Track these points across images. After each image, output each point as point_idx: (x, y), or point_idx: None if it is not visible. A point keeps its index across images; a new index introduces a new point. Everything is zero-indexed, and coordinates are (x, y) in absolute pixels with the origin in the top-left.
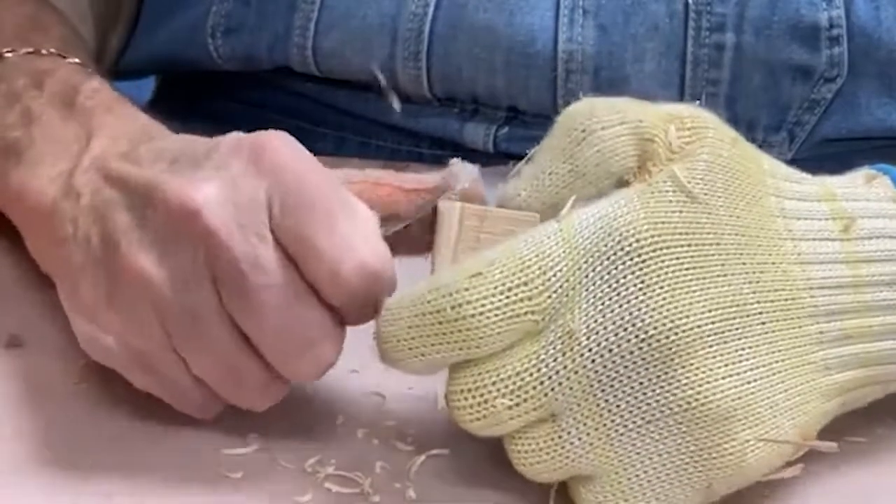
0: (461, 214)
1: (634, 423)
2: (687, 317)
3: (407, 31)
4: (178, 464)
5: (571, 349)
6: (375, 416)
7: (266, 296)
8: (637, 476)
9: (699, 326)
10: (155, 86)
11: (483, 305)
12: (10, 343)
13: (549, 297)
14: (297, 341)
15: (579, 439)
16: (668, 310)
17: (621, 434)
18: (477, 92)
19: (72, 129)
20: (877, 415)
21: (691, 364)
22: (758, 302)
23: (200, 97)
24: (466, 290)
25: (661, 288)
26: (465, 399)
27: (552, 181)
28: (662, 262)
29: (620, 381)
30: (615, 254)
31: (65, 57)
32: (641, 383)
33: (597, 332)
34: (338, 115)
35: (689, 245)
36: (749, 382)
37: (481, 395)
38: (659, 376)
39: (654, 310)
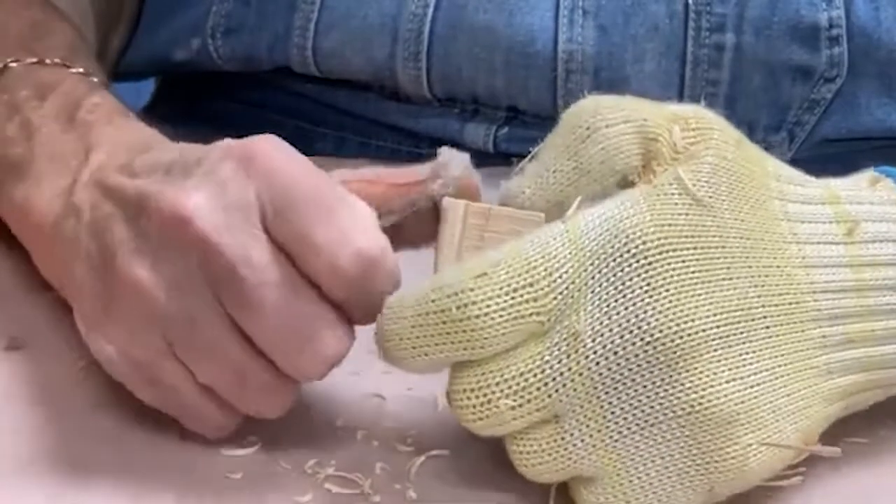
0: (465, 212)
1: (637, 425)
2: (692, 320)
3: (407, 31)
4: (179, 465)
5: (576, 351)
6: (375, 417)
7: (262, 293)
8: (639, 478)
9: (704, 330)
10: (154, 87)
11: (488, 306)
12: (10, 345)
13: (555, 298)
14: (299, 336)
15: (582, 441)
16: (673, 313)
17: (624, 436)
18: (477, 92)
19: (71, 142)
20: (878, 416)
21: (695, 368)
22: (762, 306)
23: (200, 98)
24: (472, 290)
25: (667, 291)
26: (469, 399)
27: (556, 179)
28: (668, 264)
29: (624, 384)
30: (621, 256)
31: (69, 66)
32: (645, 386)
33: (602, 335)
34: (338, 115)
35: (695, 248)
36: (752, 386)
37: (484, 396)
38: (663, 379)
39: (659, 312)
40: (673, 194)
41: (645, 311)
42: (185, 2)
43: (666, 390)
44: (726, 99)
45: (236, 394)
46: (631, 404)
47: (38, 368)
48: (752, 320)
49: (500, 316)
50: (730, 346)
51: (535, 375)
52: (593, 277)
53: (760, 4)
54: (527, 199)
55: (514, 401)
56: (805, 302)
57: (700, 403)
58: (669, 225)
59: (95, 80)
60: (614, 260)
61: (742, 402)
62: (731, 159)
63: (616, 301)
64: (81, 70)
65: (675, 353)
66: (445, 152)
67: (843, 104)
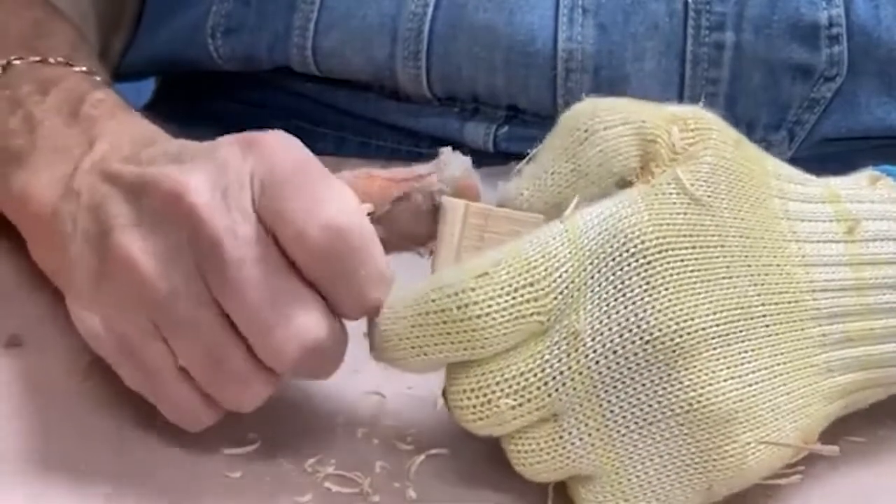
0: (465, 213)
1: (636, 423)
2: (692, 319)
3: (407, 30)
4: (179, 464)
5: (576, 350)
6: (375, 415)
7: (243, 270)
8: (637, 477)
9: (703, 329)
10: (155, 87)
11: (489, 306)
12: (10, 343)
13: (555, 298)
14: (275, 315)
15: (580, 439)
16: (672, 312)
17: (623, 435)
18: (477, 91)
19: (74, 135)
20: (878, 416)
21: (694, 366)
22: (762, 304)
23: (200, 98)
24: (473, 290)
25: (666, 290)
26: (468, 399)
27: (554, 181)
28: (668, 263)
29: (623, 382)
30: (620, 255)
31: (72, 65)
32: (644, 384)
33: (601, 333)
34: (338, 115)
35: (694, 247)
36: (751, 385)
37: (484, 395)
38: (662, 377)
39: (658, 311)
40: (671, 193)
41: (644, 310)
42: (185, 2)
43: (665, 388)
44: (726, 98)
45: (211, 378)
46: (630, 403)
47: (38, 366)
48: (752, 319)
49: (501, 316)
50: (729, 345)
51: (535, 375)
52: (592, 277)
53: (760, 3)
54: (525, 201)
55: (515, 400)
56: (804, 300)
57: (698, 402)
58: (668, 224)
59: (98, 78)
60: (613, 259)
61: (741, 401)
62: (729, 158)
63: (615, 300)
64: (84, 69)
65: (674, 351)
66: (446, 152)
67: (842, 103)
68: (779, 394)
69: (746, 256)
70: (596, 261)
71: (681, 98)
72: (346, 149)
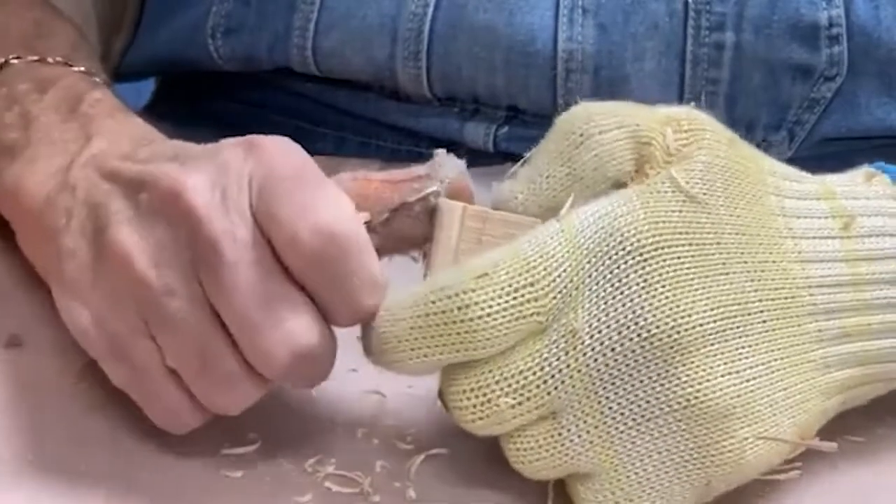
0: (463, 215)
1: (634, 420)
2: (689, 315)
3: (407, 30)
4: (179, 464)
5: (574, 348)
6: (375, 415)
7: (237, 271)
8: (636, 473)
9: (700, 325)
10: (154, 87)
11: (490, 307)
12: (9, 343)
13: (554, 298)
14: (266, 318)
15: (579, 436)
16: (670, 308)
17: (621, 431)
18: (477, 91)
19: (71, 130)
20: (877, 414)
21: (691, 362)
22: (759, 301)
23: (200, 98)
24: (473, 290)
25: (663, 287)
26: (468, 399)
27: (549, 184)
28: (664, 261)
29: (622, 379)
30: (617, 253)
31: (70, 65)
32: (642, 381)
33: (599, 331)
34: (338, 115)
35: (690, 244)
36: (748, 381)
37: (484, 395)
38: (659, 374)
39: (656, 308)
40: (666, 192)
41: (641, 307)
42: (185, 2)
43: (662, 385)
44: (726, 98)
45: (199, 379)
46: (628, 399)
47: (38, 366)
48: (749, 315)
49: (502, 316)
50: (726, 341)
51: (533, 373)
52: (590, 276)
53: (760, 3)
54: (519, 204)
55: (514, 399)
56: (801, 296)
57: (696, 397)
58: (664, 222)
59: (97, 79)
60: (610, 258)
61: (738, 396)
62: (724, 157)
63: (613, 298)
64: (83, 69)
65: (671, 347)
66: (441, 154)
67: (842, 103)
68: (776, 389)
69: (743, 253)
70: (593, 259)
71: (681, 98)
72: (346, 149)
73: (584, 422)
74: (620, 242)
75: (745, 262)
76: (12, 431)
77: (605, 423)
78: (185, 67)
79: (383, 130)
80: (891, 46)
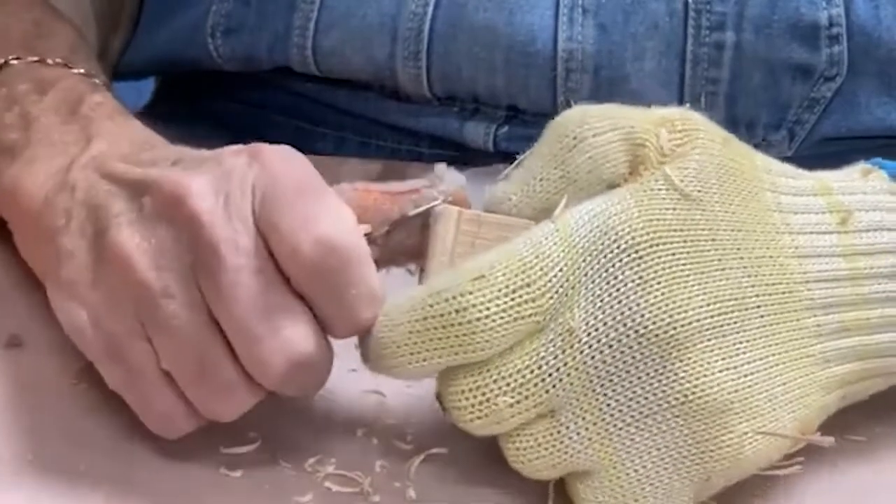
0: (458, 219)
1: (633, 417)
2: (685, 311)
3: (407, 30)
4: (178, 463)
5: (571, 346)
6: (375, 414)
7: (238, 278)
8: (635, 470)
9: (697, 320)
10: (154, 87)
11: (488, 308)
12: (9, 343)
13: (551, 298)
14: (264, 326)
15: (578, 434)
16: (666, 304)
17: (620, 428)
18: (477, 91)
19: (72, 132)
20: (876, 413)
21: (689, 357)
22: (756, 296)
23: (200, 98)
24: (470, 293)
25: (659, 283)
26: (467, 399)
27: (543, 187)
28: (659, 258)
29: (619, 376)
30: (612, 252)
31: (70, 67)
32: (640, 377)
33: (596, 329)
34: (338, 115)
35: (685, 241)
36: (746, 375)
37: (482, 395)
38: (657, 370)
39: (652, 305)
40: (660, 190)
41: (637, 304)
42: (184, 2)
43: (660, 381)
44: (726, 97)
45: (194, 383)
46: (626, 396)
47: (38, 366)
48: (746, 310)
49: (500, 318)
50: (723, 336)
51: (531, 372)
52: (586, 274)
53: (760, 3)
54: (513, 206)
55: (512, 398)
56: (798, 291)
57: (693, 392)
58: (658, 219)
59: (97, 81)
60: (605, 256)
61: (736, 391)
62: (718, 155)
63: (609, 296)
64: (83, 71)
65: (668, 343)
66: (440, 168)
67: (842, 103)
68: (775, 384)
69: (739, 249)
70: (589, 258)
71: (681, 98)
72: (346, 149)
73: (583, 419)
74: (615, 241)
75: (742, 258)
76: (12, 431)
77: (603, 420)
78: (184, 67)
79: (383, 130)
80: (891, 46)
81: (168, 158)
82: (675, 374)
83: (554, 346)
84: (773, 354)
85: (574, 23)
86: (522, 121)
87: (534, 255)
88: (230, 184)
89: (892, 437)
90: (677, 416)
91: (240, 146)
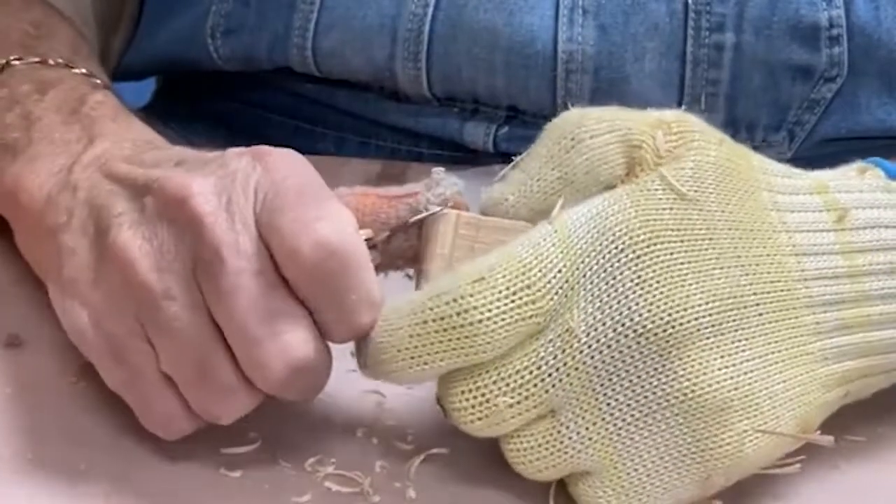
0: (456, 224)
1: (633, 416)
2: (684, 310)
3: (407, 31)
4: (177, 463)
5: (571, 346)
6: (375, 415)
7: (239, 280)
8: (636, 469)
9: (696, 319)
10: (155, 87)
11: (489, 311)
12: (9, 342)
13: (551, 299)
14: (264, 329)
15: (578, 434)
16: (664, 303)
17: (619, 428)
18: (477, 92)
19: (74, 131)
20: (877, 413)
21: (688, 356)
22: (754, 294)
23: (201, 97)
24: (471, 295)
25: (657, 283)
26: (466, 400)
27: (540, 187)
28: (657, 257)
29: (619, 376)
30: (610, 252)
31: (71, 67)
32: (639, 377)
33: (595, 329)
34: (338, 115)
35: (683, 241)
36: (746, 373)
37: (482, 395)
38: (656, 369)
39: (650, 304)
40: (657, 190)
41: (636, 304)
42: (184, 2)
43: (659, 380)
44: (726, 98)
45: (193, 386)
46: (626, 395)
47: (37, 365)
48: (745, 308)
49: (501, 319)
50: (722, 335)
51: (530, 372)
52: (585, 275)
53: (760, 4)
54: (510, 206)
55: (512, 398)
56: (797, 289)
57: (692, 391)
58: (655, 219)
59: (98, 81)
60: (603, 256)
61: (736, 389)
62: (714, 156)
63: (608, 296)
64: (84, 71)
65: (667, 342)
66: (438, 172)
67: (843, 104)
68: (775, 382)
69: (736, 248)
70: (587, 259)
71: (681, 99)
72: (346, 149)
73: (583, 419)
74: (613, 241)
75: (739, 257)
76: (12, 430)
77: (603, 419)
78: (184, 68)
79: (383, 130)
80: (891, 47)
81: (171, 159)
82: (675, 373)
83: (553, 346)
84: (773, 352)
85: (574, 24)
86: (522, 121)
87: (533, 256)
88: (233, 186)
89: (892, 438)
90: (677, 415)
91: (243, 148)
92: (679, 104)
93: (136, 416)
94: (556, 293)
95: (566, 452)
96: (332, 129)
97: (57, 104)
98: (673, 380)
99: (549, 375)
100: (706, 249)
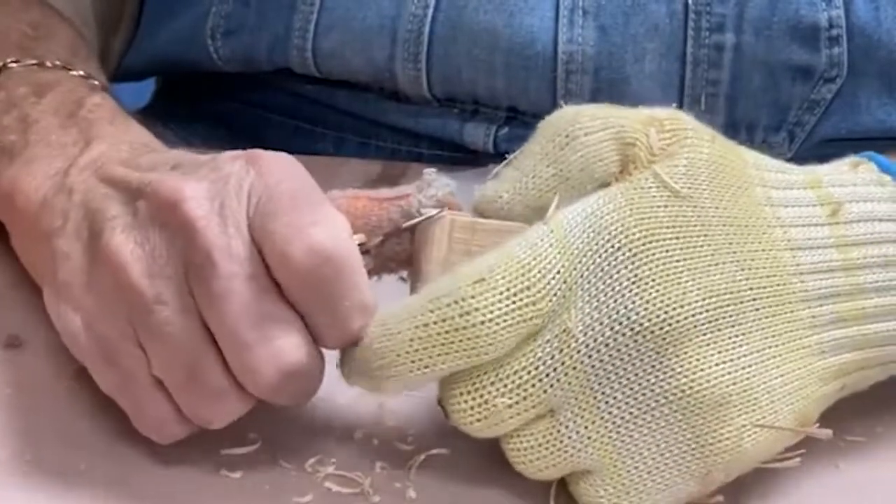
0: (450, 227)
1: (631, 413)
2: (681, 306)
3: (406, 32)
4: (177, 464)
5: (568, 346)
6: (375, 415)
7: (230, 285)
8: (636, 467)
9: (692, 316)
10: (155, 87)
11: (491, 312)
12: (8, 343)
13: (550, 300)
14: (255, 334)
15: (577, 433)
16: (661, 301)
17: (619, 426)
18: (477, 93)
19: (71, 134)
20: (876, 413)
21: (685, 353)
22: (750, 289)
23: (201, 98)
24: (473, 297)
25: (654, 280)
26: (466, 401)
27: (535, 185)
28: (653, 255)
29: (617, 374)
30: (607, 251)
31: (69, 69)
32: (637, 374)
33: (592, 329)
34: (338, 115)
35: (678, 238)
36: (744, 368)
37: (481, 396)
38: (654, 366)
39: (647, 302)
40: (651, 188)
41: (633, 302)
42: (184, 3)
43: (657, 377)
44: (726, 99)
45: (185, 390)
46: (624, 393)
47: (37, 366)
48: (741, 304)
49: (503, 320)
50: (719, 330)
51: (528, 372)
52: (582, 275)
53: (760, 4)
54: (505, 204)
55: (511, 398)
56: (792, 283)
57: (690, 387)
58: (650, 217)
59: (96, 82)
60: (600, 256)
61: (734, 384)
62: (706, 153)
63: (605, 295)
64: (82, 73)
65: (664, 339)
66: (430, 173)
67: (843, 104)
68: (773, 376)
69: (731, 244)
70: (584, 259)
71: (681, 100)
72: (345, 149)
73: (582, 418)
74: (609, 240)
75: (735, 253)
76: (11, 431)
77: (602, 418)
78: (184, 68)
79: (383, 131)
80: (891, 48)
81: (167, 163)
82: (672, 370)
83: (551, 346)
84: (770, 347)
85: (574, 25)
86: (522, 122)
87: (532, 257)
88: (226, 190)
89: (892, 438)
90: (676, 412)
91: (238, 151)
92: (679, 105)
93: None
94: (555, 294)
95: (566, 451)
96: (332, 130)
97: (54, 107)
98: (671, 377)
99: (548, 375)
100: (701, 246)
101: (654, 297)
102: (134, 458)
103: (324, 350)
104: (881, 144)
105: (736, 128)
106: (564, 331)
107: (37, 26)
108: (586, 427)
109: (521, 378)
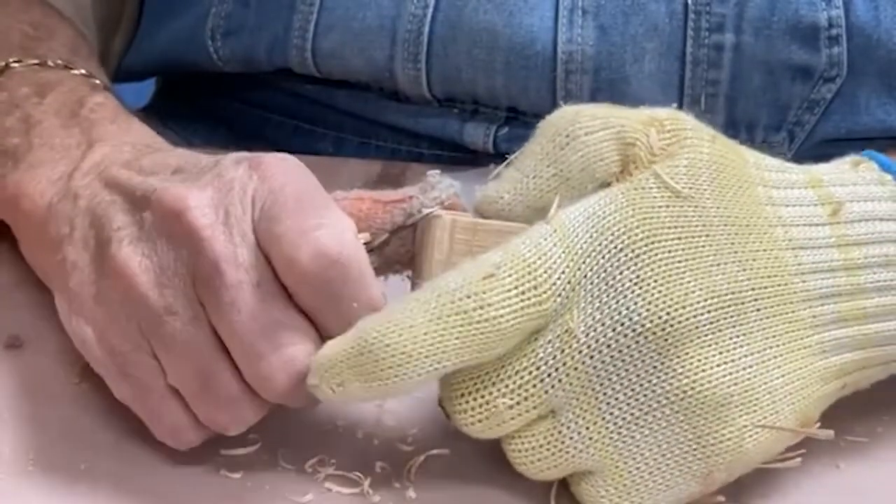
0: (452, 228)
1: (633, 414)
2: (682, 308)
3: (406, 32)
4: (178, 464)
5: (570, 346)
6: (375, 415)
7: (239, 293)
8: (637, 468)
9: (694, 316)
10: (155, 87)
11: (503, 307)
12: (9, 343)
13: (555, 301)
14: (267, 341)
15: (579, 433)
16: (663, 302)
17: (620, 427)
18: (477, 93)
19: (74, 136)
20: (876, 414)
21: (686, 353)
22: (752, 289)
23: (200, 98)
24: (484, 292)
25: (655, 281)
26: (467, 402)
27: (536, 185)
28: (655, 255)
29: (618, 375)
30: (609, 252)
31: (71, 68)
32: (639, 375)
33: (594, 329)
34: (338, 115)
35: (679, 238)
36: (745, 369)
37: (482, 397)
38: (655, 367)
39: (649, 303)
40: (652, 189)
41: (635, 303)
42: (184, 3)
43: (659, 378)
44: (726, 99)
45: (199, 399)
46: (626, 394)
47: (38, 367)
48: (742, 304)
49: (513, 317)
50: (720, 331)
51: (529, 373)
52: (585, 276)
53: (760, 4)
54: (506, 204)
55: (512, 399)
56: (793, 283)
57: (692, 388)
58: (652, 218)
59: (97, 82)
60: (603, 256)
61: (735, 384)
62: (707, 153)
63: (607, 296)
64: (83, 72)
65: (665, 340)
66: (434, 175)
67: (842, 104)
68: (774, 376)
69: (733, 244)
70: (588, 259)
71: (681, 99)
72: (345, 149)
73: (583, 419)
74: (611, 241)
75: (736, 253)
76: (13, 431)
77: (603, 419)
78: (184, 69)
79: (383, 130)
80: (890, 47)
81: (169, 165)
82: (674, 371)
83: (552, 346)
84: (771, 347)
85: (574, 24)
86: (522, 122)
87: (536, 256)
88: (230, 197)
89: (892, 438)
90: (677, 412)
91: (241, 155)
92: (679, 105)
93: (137, 417)
94: (559, 295)
95: (567, 452)
96: (332, 130)
97: (56, 107)
98: (672, 377)
99: (549, 376)
100: (703, 246)
101: (657, 298)
102: (134, 457)
103: None
104: (881, 144)
105: (736, 127)
106: (566, 331)
107: (37, 26)
108: (588, 428)
109: (522, 378)
